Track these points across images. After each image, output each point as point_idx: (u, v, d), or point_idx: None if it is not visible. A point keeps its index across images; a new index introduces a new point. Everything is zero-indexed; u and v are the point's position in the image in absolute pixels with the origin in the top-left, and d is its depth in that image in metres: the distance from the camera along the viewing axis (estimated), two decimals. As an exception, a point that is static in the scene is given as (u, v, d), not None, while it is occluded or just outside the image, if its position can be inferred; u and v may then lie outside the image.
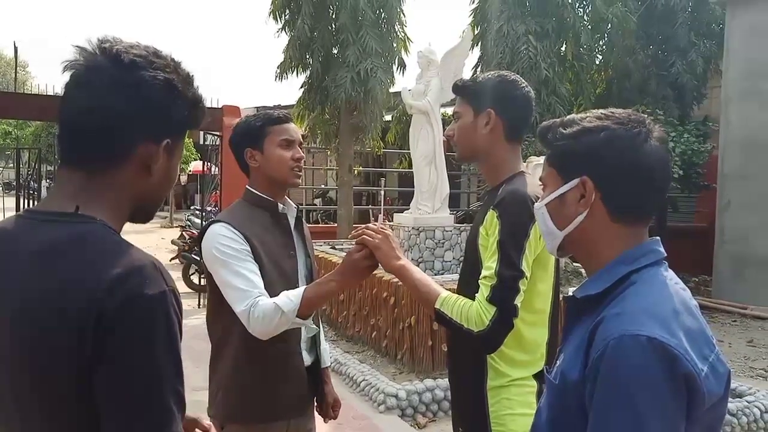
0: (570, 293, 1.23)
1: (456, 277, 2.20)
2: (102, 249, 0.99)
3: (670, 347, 0.99)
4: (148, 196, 1.13)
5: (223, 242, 2.05)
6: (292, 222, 2.24)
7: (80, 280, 0.96)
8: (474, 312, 1.75)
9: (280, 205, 2.19)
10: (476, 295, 1.80)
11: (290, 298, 1.95)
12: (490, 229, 1.84)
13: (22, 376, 0.99)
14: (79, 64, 1.05)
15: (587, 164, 1.16)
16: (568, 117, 1.24)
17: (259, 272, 2.04)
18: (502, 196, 1.85)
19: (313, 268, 2.31)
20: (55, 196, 1.07)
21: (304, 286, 2.03)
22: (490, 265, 1.79)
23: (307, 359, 2.23)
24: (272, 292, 2.02)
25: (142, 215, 1.16)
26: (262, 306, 1.93)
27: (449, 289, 1.88)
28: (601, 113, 1.20)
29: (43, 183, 18.81)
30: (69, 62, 1.06)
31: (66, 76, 1.07)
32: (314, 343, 2.28)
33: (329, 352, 2.45)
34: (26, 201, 12.81)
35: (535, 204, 1.28)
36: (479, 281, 1.81)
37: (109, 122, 1.04)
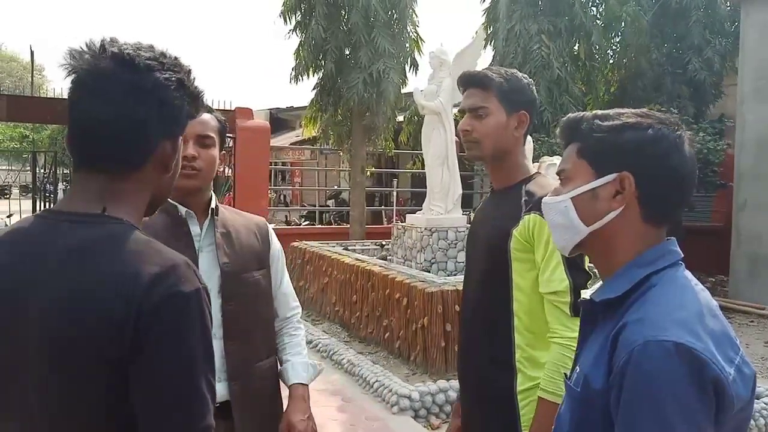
0: (587, 296, 1.20)
1: None
2: (136, 248, 1.02)
3: (698, 352, 0.96)
4: (163, 191, 1.17)
5: None
6: (200, 228, 1.90)
7: (117, 278, 0.98)
8: (564, 346, 1.72)
9: (182, 209, 1.87)
10: (550, 320, 1.78)
11: None
12: (538, 236, 1.80)
13: (52, 373, 1.00)
14: (84, 69, 1.06)
15: (630, 160, 1.12)
16: (601, 112, 1.20)
17: None
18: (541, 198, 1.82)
19: (237, 281, 1.89)
20: (77, 198, 1.09)
21: None
22: (560, 278, 1.76)
23: (219, 394, 1.75)
24: None
25: (153, 209, 1.19)
26: None
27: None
28: (640, 111, 1.17)
29: (60, 186, 18.98)
30: (72, 66, 1.06)
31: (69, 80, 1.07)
32: (245, 372, 1.85)
33: (310, 363, 2.04)
34: (42, 203, 12.92)
35: (554, 197, 1.22)
36: (547, 296, 1.78)
37: (130, 128, 1.06)
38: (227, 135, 2.08)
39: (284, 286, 2.09)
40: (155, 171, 1.11)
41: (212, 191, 1.98)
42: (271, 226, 2.12)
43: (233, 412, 1.84)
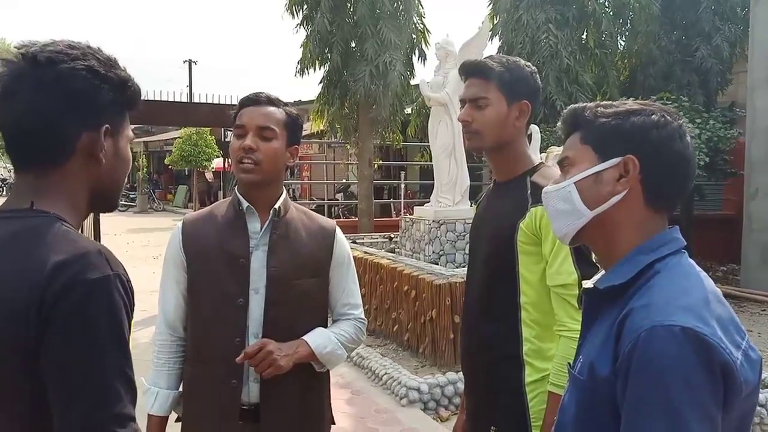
0: (589, 285, 1.19)
1: None
2: (49, 239, 1.03)
3: (705, 337, 0.96)
4: (104, 183, 1.16)
5: (169, 242, 1.93)
6: (260, 224, 1.87)
7: (25, 269, 0.99)
8: (573, 339, 1.65)
9: (244, 203, 1.86)
10: (557, 313, 1.76)
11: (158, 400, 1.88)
12: (546, 228, 1.76)
13: None
14: (4, 76, 1.08)
15: (635, 143, 1.12)
16: (603, 102, 1.21)
17: (184, 287, 1.89)
18: None
19: (284, 286, 1.85)
20: (14, 196, 1.11)
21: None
22: (568, 270, 1.73)
23: (253, 395, 1.83)
24: (203, 302, 1.85)
25: (104, 204, 1.19)
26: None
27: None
28: (641, 102, 1.18)
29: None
30: None
31: None
32: (278, 376, 1.80)
33: (333, 339, 1.92)
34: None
35: (556, 184, 1.21)
36: (555, 289, 1.76)
37: (41, 123, 1.07)
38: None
39: (346, 295, 2.00)
40: (84, 163, 1.11)
41: (283, 188, 1.95)
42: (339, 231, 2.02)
43: (261, 416, 1.83)
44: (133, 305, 1.07)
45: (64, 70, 1.06)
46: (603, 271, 1.21)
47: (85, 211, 1.15)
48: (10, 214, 1.08)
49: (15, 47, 1.09)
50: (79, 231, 1.11)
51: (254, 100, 1.88)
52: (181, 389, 1.94)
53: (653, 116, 1.13)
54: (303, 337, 1.87)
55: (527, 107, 1.91)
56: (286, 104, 1.93)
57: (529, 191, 1.85)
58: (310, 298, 1.91)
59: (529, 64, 1.98)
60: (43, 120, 1.07)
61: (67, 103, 1.07)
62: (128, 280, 1.06)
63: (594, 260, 1.74)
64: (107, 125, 1.12)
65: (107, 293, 1.00)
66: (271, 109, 1.87)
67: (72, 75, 1.07)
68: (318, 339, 1.88)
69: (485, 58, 1.98)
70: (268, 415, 1.83)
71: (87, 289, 0.98)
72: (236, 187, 1.93)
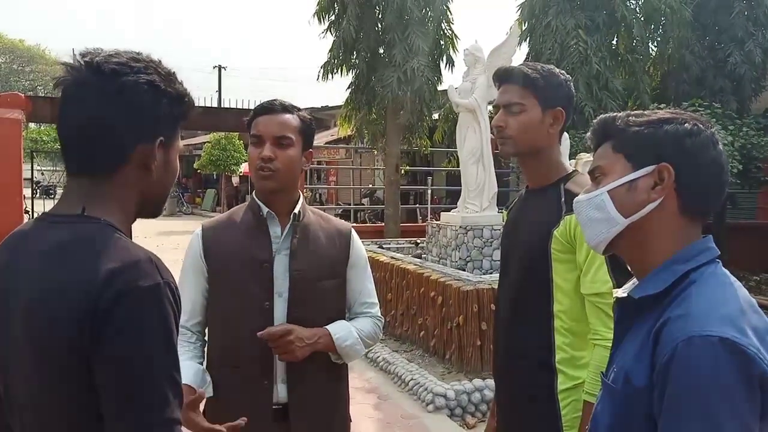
0: (622, 294, 1.19)
1: None
2: (101, 246, 1.05)
3: (743, 347, 0.96)
4: (152, 192, 1.18)
5: (188, 248, 1.96)
6: (280, 229, 1.92)
7: (80, 275, 1.01)
8: (608, 348, 1.68)
9: (264, 210, 1.91)
10: (592, 321, 1.75)
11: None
12: (581, 236, 1.73)
13: (34, 369, 1.04)
14: (66, 81, 1.10)
15: (669, 151, 1.12)
16: (634, 111, 1.21)
17: (203, 292, 1.92)
18: None
19: (306, 288, 1.89)
20: (64, 201, 1.13)
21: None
22: (603, 279, 1.73)
23: (281, 395, 1.88)
24: (228, 307, 1.88)
25: (150, 211, 1.22)
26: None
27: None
28: (672, 110, 1.19)
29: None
30: (59, 79, 1.11)
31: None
32: (305, 377, 1.88)
33: (355, 335, 1.95)
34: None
35: (588, 193, 1.20)
36: (590, 298, 1.76)
37: (102, 132, 1.09)
38: None
39: (364, 294, 2.04)
40: (137, 172, 1.13)
41: (300, 193, 1.99)
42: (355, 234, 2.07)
43: (290, 415, 1.87)
44: (180, 311, 1.09)
45: (127, 82, 1.09)
46: (634, 280, 1.21)
47: (133, 217, 1.18)
48: (61, 219, 1.10)
49: (79, 54, 1.11)
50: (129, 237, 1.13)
51: (268, 109, 1.91)
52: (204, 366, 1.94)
53: (686, 124, 1.13)
54: (327, 327, 1.91)
55: (561, 114, 1.91)
56: (299, 110, 1.96)
57: (563, 199, 1.84)
58: (330, 299, 1.96)
59: (563, 72, 1.99)
60: (104, 129, 1.09)
61: (127, 114, 1.09)
62: (177, 288, 1.08)
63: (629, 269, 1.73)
64: (161, 138, 1.14)
65: (158, 301, 1.02)
66: (286, 116, 1.91)
67: (134, 88, 1.09)
68: (340, 332, 1.92)
69: (520, 64, 1.99)
70: (297, 415, 1.87)
71: (139, 297, 1.00)
72: (254, 193, 1.98)
